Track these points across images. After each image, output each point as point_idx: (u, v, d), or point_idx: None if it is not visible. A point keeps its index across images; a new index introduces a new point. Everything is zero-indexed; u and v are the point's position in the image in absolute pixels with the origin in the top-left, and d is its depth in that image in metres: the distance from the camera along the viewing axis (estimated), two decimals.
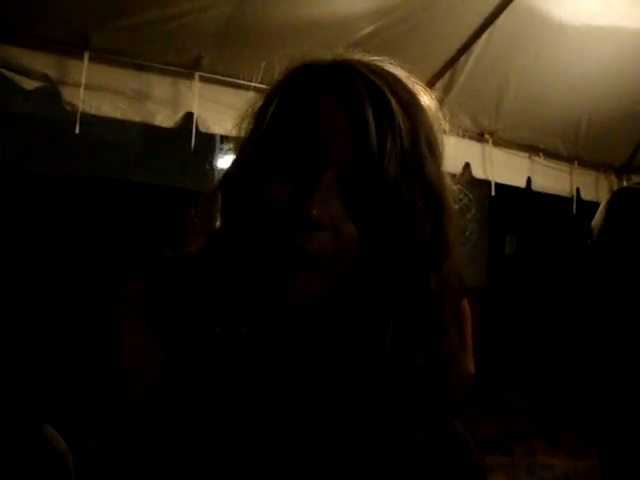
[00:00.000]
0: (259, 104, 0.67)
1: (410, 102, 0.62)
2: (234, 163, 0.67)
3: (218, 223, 0.68)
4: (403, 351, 0.62)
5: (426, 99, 0.66)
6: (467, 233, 0.68)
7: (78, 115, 2.46)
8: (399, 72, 0.65)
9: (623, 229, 2.08)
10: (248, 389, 0.63)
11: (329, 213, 0.58)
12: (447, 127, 0.68)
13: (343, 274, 0.61)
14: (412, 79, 0.66)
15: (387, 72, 0.64)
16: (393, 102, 0.60)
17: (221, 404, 0.62)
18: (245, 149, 0.66)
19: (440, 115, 0.67)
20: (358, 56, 0.66)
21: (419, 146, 0.61)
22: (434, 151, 0.64)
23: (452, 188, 0.67)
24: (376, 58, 0.66)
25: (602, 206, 2.18)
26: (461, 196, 0.68)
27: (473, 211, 0.69)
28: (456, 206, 0.67)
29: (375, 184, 0.59)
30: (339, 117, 0.60)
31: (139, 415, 0.62)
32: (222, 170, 0.68)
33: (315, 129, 0.60)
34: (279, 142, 0.61)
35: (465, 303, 2.78)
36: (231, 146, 0.70)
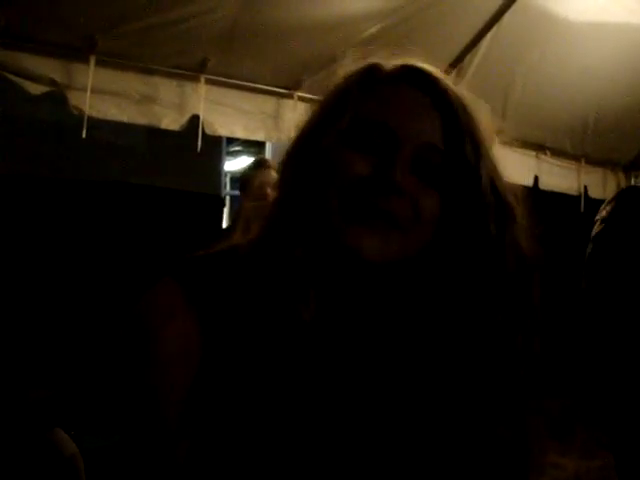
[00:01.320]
0: (328, 97, 0.72)
1: (471, 110, 0.70)
2: (305, 145, 0.70)
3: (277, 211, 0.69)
4: (504, 334, 0.66)
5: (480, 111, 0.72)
6: None
7: (85, 119, 2.46)
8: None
9: (628, 225, 2.09)
10: (307, 374, 0.63)
11: (408, 184, 0.64)
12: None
13: (423, 245, 0.66)
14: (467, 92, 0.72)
15: (448, 81, 0.70)
16: (466, 101, 0.68)
17: (275, 391, 0.62)
18: (321, 132, 0.68)
19: (492, 128, 0.72)
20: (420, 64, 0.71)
21: (486, 147, 0.68)
22: (493, 157, 0.70)
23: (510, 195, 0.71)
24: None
25: (606, 201, 2.19)
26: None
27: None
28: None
29: (458, 173, 0.66)
30: (418, 103, 0.67)
31: (177, 407, 0.61)
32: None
33: (394, 112, 0.66)
34: (360, 124, 0.66)
35: None
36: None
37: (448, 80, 0.70)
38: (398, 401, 0.65)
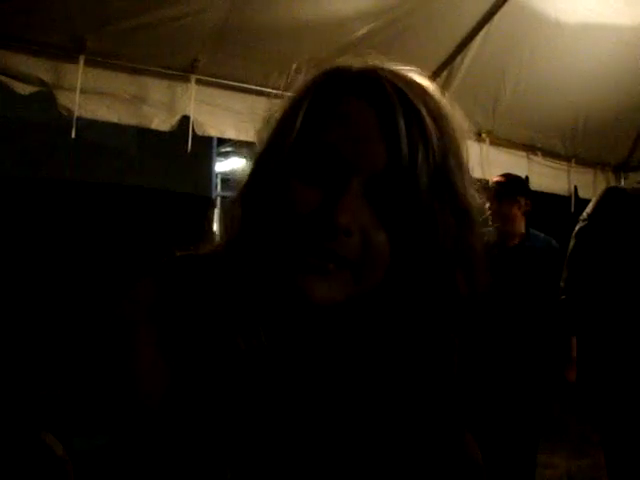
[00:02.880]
0: (284, 108, 0.67)
1: (439, 114, 0.62)
2: (260, 167, 0.66)
3: (237, 227, 0.66)
4: (441, 359, 0.64)
5: (451, 110, 0.65)
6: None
7: (74, 119, 2.45)
8: (426, 82, 0.65)
9: (607, 222, 2.16)
10: (268, 401, 0.62)
11: (357, 220, 0.59)
12: (471, 136, 0.67)
13: (376, 282, 0.62)
14: (436, 89, 0.65)
15: (416, 82, 0.63)
16: (424, 112, 0.60)
17: (239, 418, 0.61)
18: (272, 154, 0.65)
19: (465, 126, 0.66)
20: (387, 64, 0.65)
21: (448, 158, 0.62)
22: (460, 163, 0.64)
23: (477, 200, 0.66)
24: (404, 68, 0.65)
25: (591, 202, 2.27)
26: (485, 207, 0.68)
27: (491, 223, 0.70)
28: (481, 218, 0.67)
29: (406, 195, 0.60)
30: (370, 124, 0.60)
31: (149, 423, 0.61)
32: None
33: (345, 136, 0.60)
34: (308, 147, 0.61)
35: None
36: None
37: (417, 83, 0.63)
38: (337, 440, 0.64)
